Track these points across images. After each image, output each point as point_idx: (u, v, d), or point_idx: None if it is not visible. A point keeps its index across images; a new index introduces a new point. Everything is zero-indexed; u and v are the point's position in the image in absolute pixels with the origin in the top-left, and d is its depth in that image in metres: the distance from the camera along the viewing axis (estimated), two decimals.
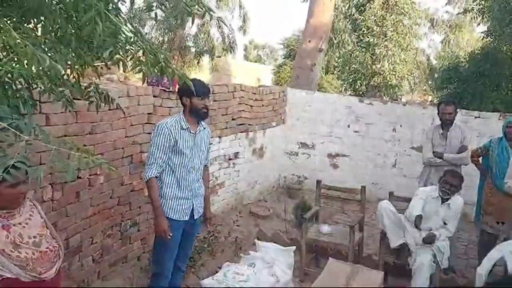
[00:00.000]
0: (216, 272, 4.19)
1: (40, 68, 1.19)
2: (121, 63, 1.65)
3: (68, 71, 1.78)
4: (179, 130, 3.04)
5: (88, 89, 1.93)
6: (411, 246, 3.85)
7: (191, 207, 3.13)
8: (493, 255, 3.47)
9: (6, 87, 1.35)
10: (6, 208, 1.86)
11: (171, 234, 2.99)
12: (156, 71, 1.52)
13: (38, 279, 1.89)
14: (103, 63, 1.77)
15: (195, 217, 3.17)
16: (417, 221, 3.79)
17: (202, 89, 3.03)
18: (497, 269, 4.30)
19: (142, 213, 4.07)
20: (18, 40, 1.11)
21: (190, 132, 3.08)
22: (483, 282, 3.33)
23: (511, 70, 8.89)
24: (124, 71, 1.72)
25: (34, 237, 1.92)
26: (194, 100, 3.04)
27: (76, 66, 1.75)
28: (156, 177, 3.00)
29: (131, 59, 1.57)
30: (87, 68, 1.73)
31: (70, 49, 1.58)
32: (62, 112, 2.99)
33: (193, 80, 3.01)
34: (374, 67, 11.97)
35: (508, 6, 8.77)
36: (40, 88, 1.82)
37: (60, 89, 1.66)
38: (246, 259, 3.89)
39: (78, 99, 3.02)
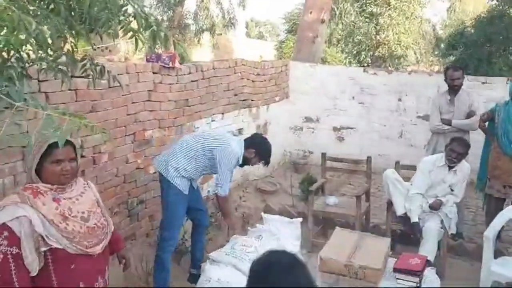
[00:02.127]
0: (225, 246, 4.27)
1: (28, 34, 1.16)
2: (111, 31, 1.61)
3: (62, 44, 1.75)
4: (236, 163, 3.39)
5: (83, 62, 1.89)
6: (412, 217, 3.84)
7: (190, 184, 3.46)
8: (500, 218, 3.45)
9: None
10: (55, 183, 1.91)
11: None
12: (148, 36, 1.48)
13: (84, 252, 1.92)
14: (96, 33, 1.72)
15: (194, 187, 3.57)
16: (415, 229, 3.81)
17: (268, 160, 3.53)
18: (506, 234, 4.32)
19: (149, 190, 4.08)
20: (4, 5, 1.08)
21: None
22: (491, 246, 3.33)
23: None
24: (116, 38, 1.68)
25: (83, 212, 1.96)
26: (252, 156, 3.42)
27: (70, 38, 1.72)
28: None
29: (122, 28, 1.53)
30: (81, 39, 1.70)
31: (61, 19, 1.54)
32: (61, 91, 2.98)
33: (268, 145, 3.51)
34: (378, 37, 11.76)
35: None
36: (37, 64, 1.79)
37: (52, 58, 1.62)
38: (253, 232, 3.91)
39: (76, 77, 3.02)
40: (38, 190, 1.87)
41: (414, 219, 3.83)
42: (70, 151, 1.95)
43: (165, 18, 11.97)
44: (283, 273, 1.26)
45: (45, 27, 1.26)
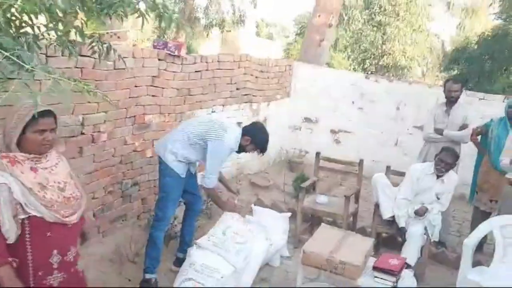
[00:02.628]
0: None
1: (42, 4, 1.25)
2: (121, 12, 1.70)
3: (72, 19, 1.84)
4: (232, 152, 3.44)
5: (92, 39, 1.99)
6: (399, 222, 3.94)
7: (188, 169, 3.52)
8: (482, 228, 3.55)
9: (11, 22, 1.41)
10: (34, 153, 1.94)
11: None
12: (154, 16, 1.57)
13: (61, 221, 1.96)
14: (106, 14, 1.81)
15: (192, 171, 3.64)
16: (402, 233, 3.91)
17: (264, 148, 3.46)
18: (488, 247, 4.41)
19: (144, 173, 4.18)
20: None
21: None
22: (470, 254, 3.42)
23: None
24: (125, 17, 1.77)
25: (59, 182, 2.01)
26: (247, 144, 3.39)
27: (81, 15, 1.81)
28: None
29: (129, 6, 1.62)
30: (92, 17, 1.78)
31: None
32: (68, 68, 3.07)
33: (265, 134, 3.45)
34: (384, 47, 11.86)
35: None
36: (47, 34, 1.88)
37: (62, 32, 1.71)
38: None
39: (83, 56, 3.12)
40: (16, 159, 1.89)
41: (402, 224, 3.93)
42: (53, 121, 1.98)
43: (176, 9, 12.07)
44: None
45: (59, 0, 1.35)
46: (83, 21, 1.91)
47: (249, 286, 3.54)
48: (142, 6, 1.65)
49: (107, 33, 3.65)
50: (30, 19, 1.43)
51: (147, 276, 3.35)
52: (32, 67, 1.24)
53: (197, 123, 3.50)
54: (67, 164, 2.17)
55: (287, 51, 16.33)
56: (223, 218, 3.56)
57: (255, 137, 3.41)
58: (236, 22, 13.24)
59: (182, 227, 3.79)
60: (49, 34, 1.71)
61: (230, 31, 15.37)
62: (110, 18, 1.99)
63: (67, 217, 1.98)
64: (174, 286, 3.27)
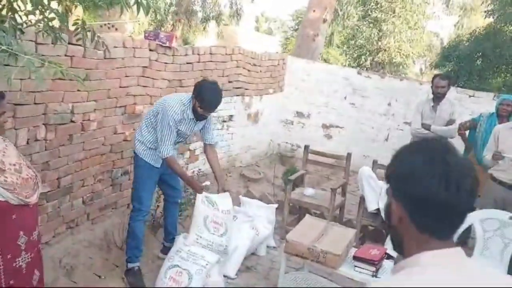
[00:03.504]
0: None
1: None
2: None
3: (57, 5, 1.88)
4: (185, 118, 3.27)
5: (75, 25, 2.03)
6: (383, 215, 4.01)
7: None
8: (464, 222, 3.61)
9: None
10: None
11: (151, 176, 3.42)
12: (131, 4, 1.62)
13: (24, 202, 2.02)
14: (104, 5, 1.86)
15: None
16: (387, 225, 3.94)
17: (207, 106, 3.20)
18: (472, 242, 4.49)
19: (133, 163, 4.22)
20: None
21: (193, 121, 3.33)
22: None
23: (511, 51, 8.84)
24: (111, 6, 1.82)
25: (14, 164, 2.05)
26: (197, 106, 3.20)
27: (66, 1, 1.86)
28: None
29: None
30: (75, 2, 1.83)
31: None
32: (57, 56, 3.11)
33: (207, 89, 3.20)
34: (379, 43, 11.91)
35: None
36: (29, 22, 1.92)
37: (47, 19, 1.75)
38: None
39: (73, 44, 3.16)
40: None
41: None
42: (4, 104, 2.00)
43: (173, 2, 12.09)
44: None
45: None
46: (67, 7, 1.95)
47: (234, 274, 3.62)
48: None
49: (105, 24, 3.70)
50: (10, 3, 1.47)
51: (129, 265, 3.40)
52: (8, 47, 1.29)
53: (155, 104, 3.47)
54: (13, 146, 2.19)
55: (284, 46, 16.38)
56: (197, 206, 3.40)
57: (199, 95, 3.17)
58: (232, 16, 13.26)
59: (164, 219, 3.82)
60: (37, 24, 1.75)
61: (227, 24, 15.39)
62: (108, 9, 2.03)
63: (28, 198, 2.02)
64: (161, 272, 3.33)
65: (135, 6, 1.87)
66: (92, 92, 3.51)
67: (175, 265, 3.30)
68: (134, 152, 3.45)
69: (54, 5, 1.97)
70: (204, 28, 13.11)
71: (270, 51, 8.52)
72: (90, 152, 3.68)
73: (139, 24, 11.81)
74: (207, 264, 3.28)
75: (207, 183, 3.85)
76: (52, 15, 1.79)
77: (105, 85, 3.65)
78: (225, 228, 3.42)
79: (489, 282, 0.97)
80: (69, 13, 1.88)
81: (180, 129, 3.31)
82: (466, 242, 4.49)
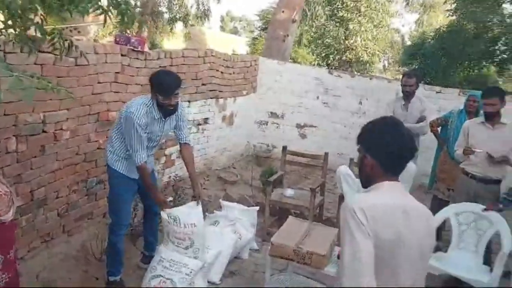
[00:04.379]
0: None
1: (1, 1, 1.22)
2: (81, 8, 1.68)
3: (32, 16, 1.81)
4: (151, 120, 3.08)
5: (52, 35, 1.95)
6: None
7: None
8: (439, 216, 3.72)
9: None
10: None
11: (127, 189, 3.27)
12: (116, 14, 1.57)
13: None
14: (67, 9, 1.79)
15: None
16: None
17: (165, 89, 2.99)
18: (445, 234, 4.63)
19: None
20: None
21: (161, 120, 3.15)
22: None
23: (474, 48, 9.21)
24: (87, 15, 1.76)
25: None
26: (159, 97, 3.02)
27: (40, 10, 1.78)
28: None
29: (91, 3, 1.60)
30: (51, 13, 1.76)
31: None
32: (27, 64, 2.99)
33: (160, 75, 3.06)
34: (347, 42, 12.12)
35: None
36: (5, 30, 1.84)
37: (21, 29, 1.67)
38: (210, 217, 4.04)
39: (43, 52, 3.05)
40: None
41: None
42: None
43: (138, 3, 11.87)
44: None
45: None
46: (42, 17, 1.88)
47: (218, 279, 3.58)
48: (104, 2, 1.63)
49: (67, 27, 3.58)
50: None
51: (111, 278, 3.30)
52: None
53: (120, 110, 3.29)
54: None
55: (252, 46, 16.38)
56: (163, 220, 3.32)
57: (156, 85, 3.01)
58: (200, 17, 13.16)
59: (144, 229, 3.73)
60: (6, 30, 1.67)
61: (194, 25, 15.26)
62: (71, 15, 1.96)
63: (3, 215, 1.95)
64: (144, 282, 3.26)
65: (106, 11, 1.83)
66: (64, 101, 3.40)
67: (158, 275, 3.24)
68: (107, 164, 3.26)
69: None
70: (171, 30, 12.95)
71: (241, 52, 8.52)
72: (64, 162, 3.56)
73: (103, 26, 11.56)
74: (191, 272, 3.23)
75: (170, 198, 3.79)
76: (27, 23, 1.71)
77: (77, 92, 3.54)
78: (191, 241, 3.28)
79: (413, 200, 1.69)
80: (45, 22, 1.80)
81: (150, 131, 3.12)
82: (440, 234, 4.63)
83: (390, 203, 1.58)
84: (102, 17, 1.83)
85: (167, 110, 3.10)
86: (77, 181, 3.76)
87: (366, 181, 1.72)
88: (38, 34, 1.87)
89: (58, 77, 3.31)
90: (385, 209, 1.55)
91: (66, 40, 2.02)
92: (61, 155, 3.51)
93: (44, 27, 1.90)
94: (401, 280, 1.56)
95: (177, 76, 3.12)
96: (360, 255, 1.47)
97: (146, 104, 3.06)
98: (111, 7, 1.55)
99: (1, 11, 1.36)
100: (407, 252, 1.55)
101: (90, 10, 1.64)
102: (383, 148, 1.66)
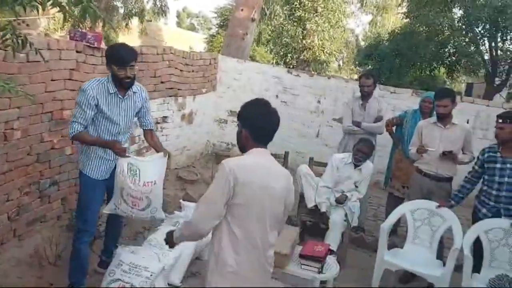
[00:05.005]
0: (141, 232, 4.27)
1: None
2: (39, 3, 1.60)
3: None
4: (105, 94, 2.99)
5: (4, 31, 1.84)
6: (321, 208, 4.16)
7: (113, 167, 3.16)
8: (396, 213, 3.87)
9: None
10: None
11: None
12: (78, 12, 1.50)
13: None
14: (19, 4, 1.69)
15: None
16: (324, 218, 4.13)
17: (120, 59, 2.93)
18: (401, 230, 4.81)
19: (63, 172, 3.95)
20: None
21: (118, 97, 3.05)
22: (385, 237, 3.71)
23: (426, 50, 9.63)
24: (43, 10, 1.67)
25: None
26: (114, 69, 2.96)
27: None
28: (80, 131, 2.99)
29: (49, 1, 1.52)
30: (4, 6, 1.65)
31: None
32: None
33: (115, 46, 3.07)
34: (304, 42, 12.29)
35: None
36: None
37: None
38: (170, 218, 3.97)
39: None
40: None
41: (323, 209, 4.14)
42: None
43: None
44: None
45: None
46: None
47: (180, 281, 3.53)
48: None
49: (15, 20, 3.39)
50: None
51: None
52: None
53: None
54: None
55: (210, 43, 16.27)
56: (116, 174, 3.07)
57: (110, 55, 2.97)
58: (157, 13, 12.89)
59: (106, 233, 3.62)
60: None
61: (150, 21, 14.94)
62: (25, 10, 1.86)
63: None
64: (102, 287, 3.16)
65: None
66: (15, 99, 3.21)
67: (117, 279, 3.14)
68: (79, 169, 3.19)
69: None
70: (126, 25, 12.60)
71: (199, 49, 8.43)
72: (15, 163, 3.37)
73: (54, 20, 11.05)
74: (151, 275, 3.16)
75: (127, 145, 3.33)
76: None
77: (30, 90, 3.34)
78: (148, 201, 3.13)
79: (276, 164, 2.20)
80: None
81: (104, 110, 2.99)
82: (396, 230, 4.81)
83: (255, 162, 2.07)
84: (52, 10, 1.74)
85: (123, 83, 2.99)
86: (29, 183, 3.57)
87: (242, 149, 2.17)
88: None
89: (9, 74, 3.13)
90: (250, 166, 2.04)
91: (19, 36, 1.91)
92: (12, 155, 3.32)
93: None
94: (266, 220, 2.08)
95: (133, 48, 3.08)
96: (212, 199, 2.00)
97: (101, 81, 3.02)
98: (71, 4, 1.47)
99: None
100: (269, 197, 2.06)
101: (49, 7, 1.56)
102: (255, 123, 2.11)
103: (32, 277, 3.28)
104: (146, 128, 3.36)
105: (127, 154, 3.07)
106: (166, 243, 2.30)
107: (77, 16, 1.57)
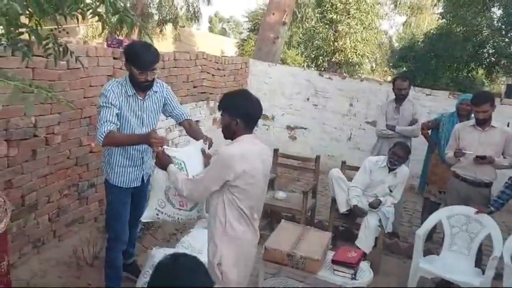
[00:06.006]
0: (174, 234, 4.33)
1: None
2: (79, 13, 1.66)
3: (27, 20, 1.78)
4: (124, 96, 2.79)
5: (47, 40, 1.92)
6: (351, 202, 4.07)
7: (141, 174, 3.06)
8: (432, 219, 3.76)
9: None
10: None
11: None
12: (115, 21, 1.56)
13: None
14: (61, 14, 1.77)
15: (145, 180, 3.12)
16: (357, 211, 4.04)
17: (142, 63, 2.70)
18: (437, 236, 4.68)
19: (100, 175, 4.06)
20: None
21: (138, 98, 2.85)
22: (421, 244, 3.62)
23: (463, 51, 9.34)
24: (83, 19, 1.73)
25: None
26: (134, 71, 2.73)
27: (35, 15, 1.75)
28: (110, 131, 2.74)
29: (89, 10, 1.58)
30: (46, 16, 1.73)
31: None
32: (19, 68, 2.94)
33: (136, 47, 2.80)
34: (336, 44, 12.19)
35: None
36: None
37: (15, 34, 1.64)
38: (203, 220, 4.01)
39: (35, 55, 3.00)
40: None
41: (354, 202, 4.04)
42: None
43: (128, 4, 11.78)
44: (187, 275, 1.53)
45: (15, 3, 1.30)
46: (37, 22, 1.85)
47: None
48: (101, 8, 1.61)
49: (55, 28, 3.51)
50: None
51: None
52: None
53: None
54: None
55: (241, 47, 16.39)
56: (155, 174, 2.71)
57: (130, 56, 2.73)
58: (190, 19, 13.11)
59: None
60: (5, 37, 1.64)
61: (184, 26, 15.21)
62: (66, 19, 1.94)
63: None
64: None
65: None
66: (56, 105, 3.35)
67: None
68: (105, 179, 3.06)
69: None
70: (160, 31, 12.88)
71: (230, 54, 8.50)
72: (55, 166, 3.51)
73: (92, 28, 11.43)
74: None
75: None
76: (24, 30, 1.68)
77: (69, 96, 3.48)
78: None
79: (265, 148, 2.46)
80: (40, 28, 1.77)
81: (123, 111, 2.78)
82: (432, 236, 4.68)
83: (250, 150, 2.31)
84: (91, 19, 1.79)
85: (142, 86, 2.80)
86: (68, 186, 3.71)
87: (230, 137, 2.34)
88: (33, 39, 1.84)
89: (50, 80, 3.27)
90: (246, 154, 2.27)
91: (61, 45, 1.99)
92: (53, 159, 3.46)
93: (40, 30, 1.87)
94: (262, 197, 2.48)
95: (156, 50, 2.80)
96: (209, 184, 2.29)
97: (119, 81, 2.83)
98: (109, 14, 1.52)
99: None
100: (264, 178, 2.42)
101: (88, 16, 1.61)
102: (247, 112, 2.29)
103: (71, 277, 3.39)
104: (182, 120, 3.10)
105: (165, 146, 2.64)
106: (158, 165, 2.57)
107: (114, 24, 1.63)
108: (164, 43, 13.37)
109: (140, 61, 2.69)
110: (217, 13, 35.27)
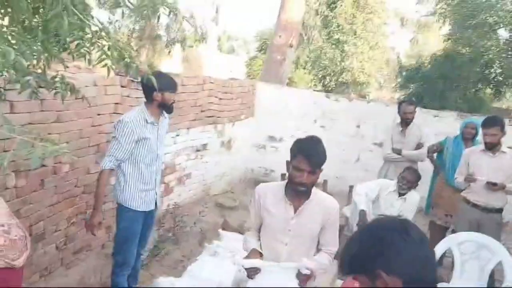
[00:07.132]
0: (181, 261, 4.32)
1: (6, 61, 1.23)
2: (86, 56, 1.71)
3: (35, 62, 1.82)
4: (144, 124, 3.03)
5: (55, 79, 1.96)
6: (359, 206, 4.01)
7: (155, 197, 3.23)
8: (441, 246, 3.71)
9: None
10: None
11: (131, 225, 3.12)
12: (121, 66, 1.59)
13: (11, 265, 1.88)
14: (69, 54, 1.81)
15: (158, 204, 3.32)
16: (361, 216, 3.98)
17: (173, 83, 3.12)
18: (447, 260, 4.60)
19: (107, 202, 4.08)
20: None
21: (154, 125, 3.11)
22: None
23: (469, 72, 9.35)
24: (89, 65, 1.77)
25: (3, 225, 1.91)
26: (167, 95, 3.07)
27: (42, 58, 1.79)
28: (111, 169, 3.05)
29: (97, 51, 1.62)
30: (53, 59, 1.77)
31: (37, 41, 1.62)
32: (27, 100, 2.98)
33: (162, 74, 3.17)
34: (343, 64, 12.25)
35: (468, 11, 9.21)
36: (5, 75, 1.85)
37: (26, 78, 1.68)
38: (209, 248, 4.01)
39: (43, 87, 3.05)
40: None
41: (361, 206, 3.96)
42: None
43: (137, 27, 11.99)
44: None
45: (23, 53, 1.34)
46: (44, 64, 1.89)
47: None
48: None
49: (64, 60, 3.56)
50: None
51: None
52: None
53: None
54: (4, 204, 2.06)
55: (249, 67, 16.53)
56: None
57: (157, 81, 2.57)
58: (198, 40, 13.30)
59: None
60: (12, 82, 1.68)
61: (192, 47, 15.41)
62: (73, 58, 1.98)
63: (15, 260, 1.90)
64: None
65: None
66: (64, 134, 3.39)
67: None
68: (118, 203, 3.18)
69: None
70: (169, 52, 13.06)
71: (238, 73, 8.57)
72: (63, 195, 3.54)
73: (106, 77, 11.57)
74: None
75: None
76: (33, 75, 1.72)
77: (77, 125, 3.54)
78: None
79: None
80: (48, 70, 1.81)
81: (145, 137, 3.01)
82: (442, 261, 4.60)
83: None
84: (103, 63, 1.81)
85: (170, 108, 3.15)
86: (76, 214, 3.73)
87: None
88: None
89: (57, 111, 3.32)
90: None
91: (68, 84, 2.03)
92: (60, 188, 3.49)
93: (47, 70, 1.91)
94: None
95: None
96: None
97: (137, 112, 3.06)
98: (114, 62, 1.56)
99: (6, 69, 1.37)
100: None
101: (95, 63, 1.65)
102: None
103: None
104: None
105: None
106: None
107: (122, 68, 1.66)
108: (171, 64, 13.54)
109: (172, 82, 3.12)
110: (225, 32, 35.62)
